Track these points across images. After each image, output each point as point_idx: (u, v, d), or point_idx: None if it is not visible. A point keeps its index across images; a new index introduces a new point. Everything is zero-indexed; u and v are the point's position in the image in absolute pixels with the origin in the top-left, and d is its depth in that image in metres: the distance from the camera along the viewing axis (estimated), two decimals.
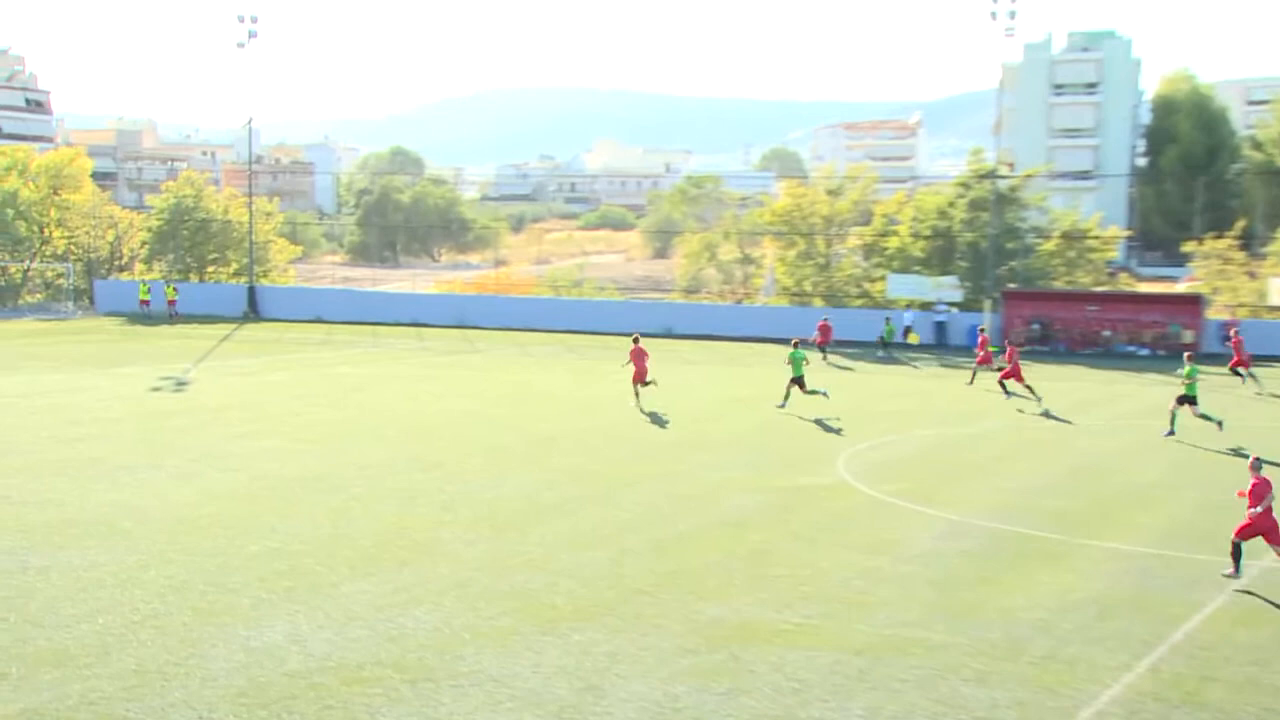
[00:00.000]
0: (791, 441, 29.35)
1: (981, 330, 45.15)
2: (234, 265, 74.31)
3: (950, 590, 16.99)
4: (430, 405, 34.28)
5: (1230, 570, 17.33)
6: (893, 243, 64.69)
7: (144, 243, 76.17)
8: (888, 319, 53.29)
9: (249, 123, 74.66)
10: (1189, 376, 31.21)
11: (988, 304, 58.14)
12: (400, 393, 35.45)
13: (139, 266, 76.75)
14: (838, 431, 30.91)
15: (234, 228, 74.04)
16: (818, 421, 32.31)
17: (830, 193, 67.77)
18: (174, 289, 63.41)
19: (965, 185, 65.91)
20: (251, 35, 63.39)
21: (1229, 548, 17.41)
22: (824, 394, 34.34)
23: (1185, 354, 33.75)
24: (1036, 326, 57.14)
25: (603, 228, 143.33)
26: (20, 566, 16.89)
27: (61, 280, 72.19)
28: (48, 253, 74.76)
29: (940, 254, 63.49)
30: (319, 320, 60.47)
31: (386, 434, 28.95)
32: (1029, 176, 68.23)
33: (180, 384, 37.30)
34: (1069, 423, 33.63)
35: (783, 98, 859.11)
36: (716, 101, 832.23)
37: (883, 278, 63.62)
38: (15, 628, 14.37)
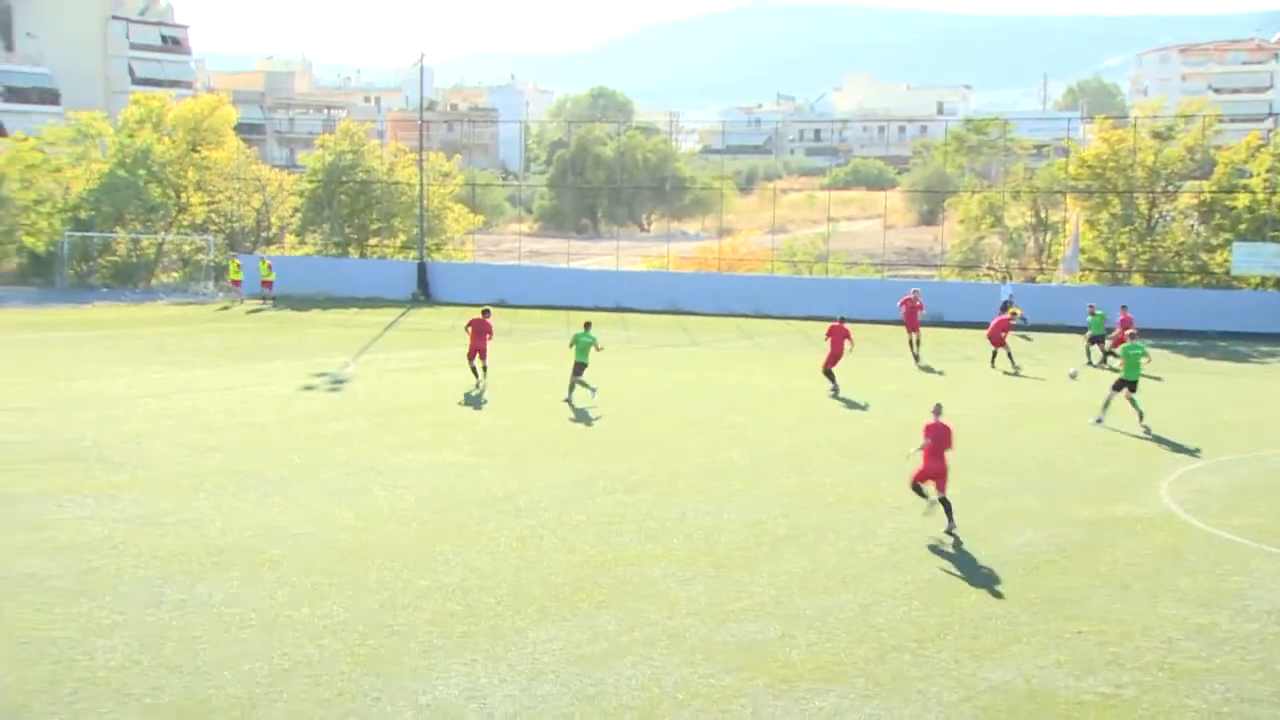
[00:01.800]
0: (1101, 460, 28.77)
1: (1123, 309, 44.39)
2: (401, 237, 76.22)
3: None
4: (635, 410, 34.70)
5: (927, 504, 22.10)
6: (1242, 201, 62.46)
7: (295, 209, 78.77)
8: (1092, 307, 48.17)
9: (419, 61, 76.76)
10: None
11: None
12: (600, 395, 36.01)
13: (290, 239, 79.38)
14: (1172, 447, 30.17)
15: (402, 191, 76.01)
16: (1147, 434, 31.61)
17: (1158, 136, 65.75)
18: (269, 266, 65.42)
19: None
20: None
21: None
22: (591, 390, 35.25)
23: None
24: None
25: (855, 187, 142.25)
26: (155, 600, 17.84)
27: (200, 256, 75.34)
28: (185, 222, 77.92)
29: None
30: (502, 304, 61.54)
31: (583, 446, 29.44)
32: None
33: (337, 382, 38.62)
34: None
35: (1094, 11, 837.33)
36: (1006, 20, 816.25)
37: (1226, 246, 61.55)
38: (149, 672, 15.22)
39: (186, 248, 77.15)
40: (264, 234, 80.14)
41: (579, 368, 35.53)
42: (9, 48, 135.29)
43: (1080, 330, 47.30)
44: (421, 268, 68.53)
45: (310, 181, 77.51)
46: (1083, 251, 65.08)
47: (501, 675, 15.33)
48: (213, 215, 78.65)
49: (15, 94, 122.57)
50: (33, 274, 74.56)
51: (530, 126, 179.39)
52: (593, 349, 35.74)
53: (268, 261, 66.22)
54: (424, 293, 67.08)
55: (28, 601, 17.72)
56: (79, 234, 74.11)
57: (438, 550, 20.48)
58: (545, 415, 33.43)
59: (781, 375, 42.24)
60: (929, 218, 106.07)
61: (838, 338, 38.65)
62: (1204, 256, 63.52)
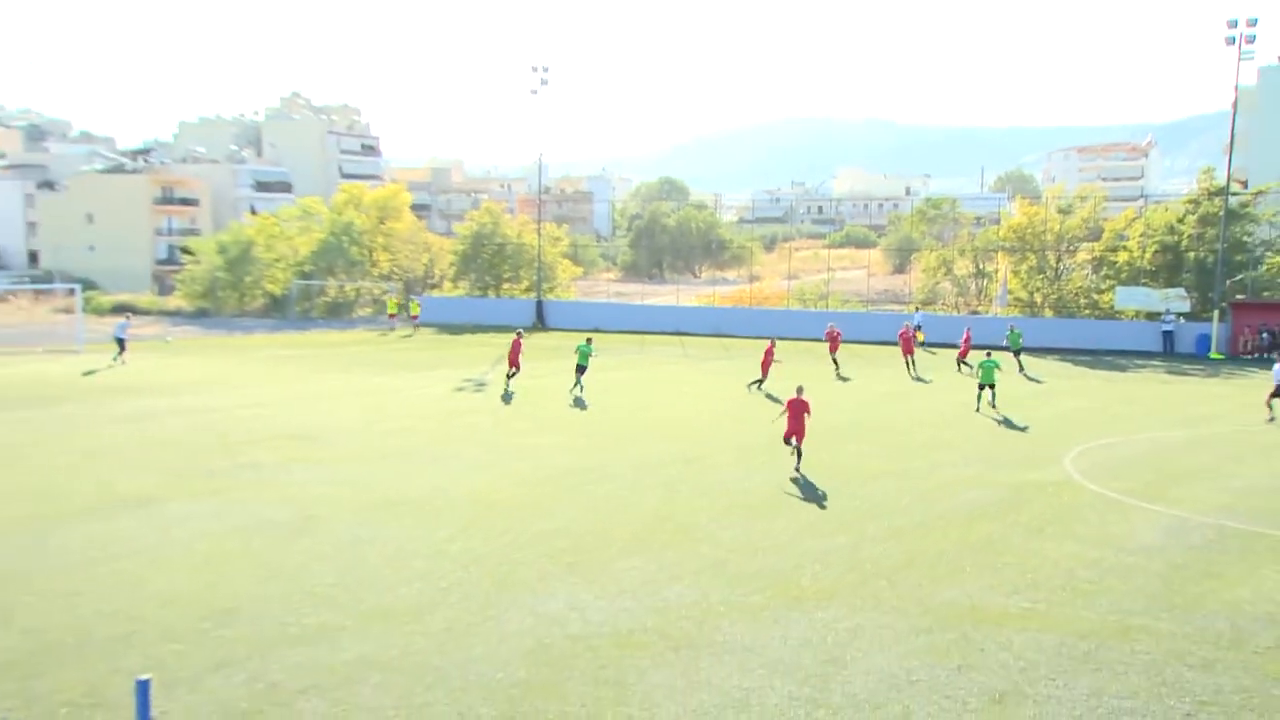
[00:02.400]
0: (1021, 442, 28.39)
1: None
2: (525, 282, 76.67)
3: (1175, 583, 16.15)
4: (689, 406, 34.65)
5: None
6: (1121, 257, 61.61)
7: (451, 264, 79.60)
8: (1011, 327, 48.27)
9: (539, 160, 77.12)
10: None
11: (1215, 314, 54.80)
12: (663, 395, 35.98)
13: (447, 284, 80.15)
14: (1073, 431, 29.74)
15: (525, 250, 76.45)
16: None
17: (1061, 211, 65.10)
18: (418, 304, 65.95)
19: (1195, 202, 62.17)
20: (543, 83, 65.38)
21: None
22: (580, 386, 34.61)
23: None
24: (1266, 336, 53.49)
25: (847, 246, 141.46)
26: (354, 539, 18.00)
27: (386, 296, 76.13)
28: (375, 273, 79.12)
29: (1168, 268, 60.11)
30: (596, 330, 61.61)
31: (649, 432, 29.43)
32: (1260, 193, 63.81)
33: (480, 385, 38.80)
34: None
35: (1017, 124, 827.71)
36: (954, 130, 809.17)
37: (1111, 289, 60.73)
38: (351, 589, 15.35)
39: (376, 291, 77.93)
40: (429, 281, 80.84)
41: (580, 370, 36.40)
42: (259, 154, 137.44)
43: (1003, 347, 46.63)
44: (539, 304, 68.90)
45: (462, 244, 78.28)
46: (1010, 292, 64.40)
47: (594, 594, 15.33)
48: (394, 268, 79.55)
49: (263, 186, 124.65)
50: (272, 310, 75.71)
51: (615, 204, 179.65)
52: (590, 356, 36.86)
53: (417, 301, 66.84)
54: (541, 322, 67.38)
55: (269, 537, 17.92)
56: (303, 282, 75.09)
57: (547, 505, 20.53)
58: (623, 411, 33.44)
59: (794, 381, 41.87)
60: (900, 268, 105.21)
61: (767, 357, 38.64)
62: (1095, 296, 62.70)
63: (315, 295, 76.50)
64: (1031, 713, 11.68)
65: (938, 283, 70.97)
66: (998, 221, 72.23)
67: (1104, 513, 20.51)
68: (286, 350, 51.47)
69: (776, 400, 34.33)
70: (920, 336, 53.97)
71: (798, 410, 24.21)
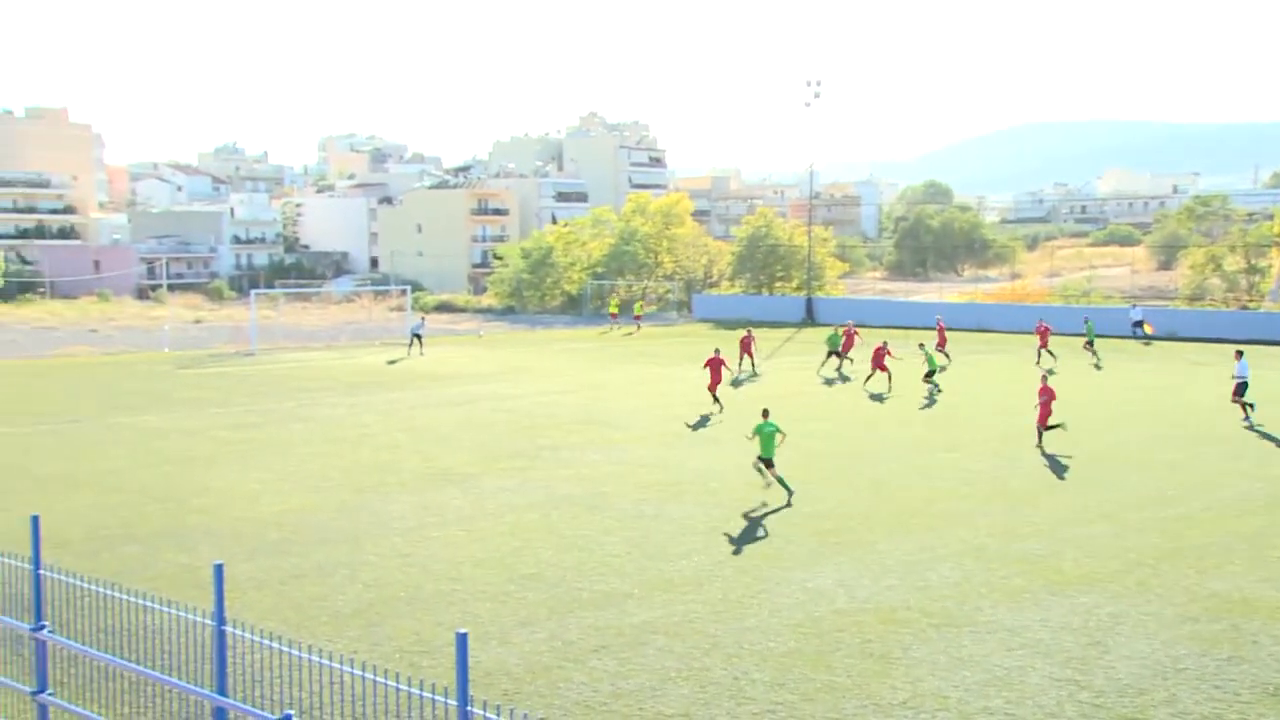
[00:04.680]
0: None
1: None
2: (795, 281, 76.33)
3: None
4: (949, 396, 33.47)
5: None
6: None
7: (729, 264, 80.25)
8: (1086, 319, 46.67)
9: (810, 167, 76.51)
10: None
11: None
12: (924, 387, 34.87)
13: (724, 283, 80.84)
14: None
15: (796, 250, 76.11)
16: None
17: None
18: (641, 305, 65.56)
19: None
20: (816, 96, 64.76)
21: None
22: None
23: None
24: None
25: (1110, 244, 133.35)
26: (639, 514, 18.41)
27: (669, 295, 77.56)
28: (659, 274, 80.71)
29: None
30: (861, 324, 60.46)
31: (912, 419, 28.64)
32: None
33: (753, 377, 38.84)
34: None
35: None
36: (1224, 126, 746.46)
37: None
38: (637, 560, 15.70)
39: (660, 290, 79.39)
40: (708, 281, 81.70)
41: (831, 354, 37.73)
42: (560, 168, 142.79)
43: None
44: (808, 300, 68.30)
45: (738, 246, 78.78)
46: None
47: (860, 572, 15.07)
48: (676, 269, 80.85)
49: (562, 196, 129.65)
50: (569, 308, 78.44)
51: (882, 207, 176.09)
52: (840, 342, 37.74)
53: (641, 303, 66.68)
54: (809, 317, 66.71)
55: (566, 511, 18.57)
56: (596, 282, 77.35)
57: (815, 487, 20.31)
58: (890, 399, 32.68)
59: (1064, 373, 39.81)
60: (1166, 265, 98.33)
61: (743, 346, 38.60)
62: None
63: (606, 294, 78.76)
64: None
65: (1205, 278, 65.83)
66: (1271, 218, 66.20)
67: None
68: (580, 344, 53.21)
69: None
70: (1149, 329, 50.71)
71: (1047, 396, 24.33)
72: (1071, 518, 17.97)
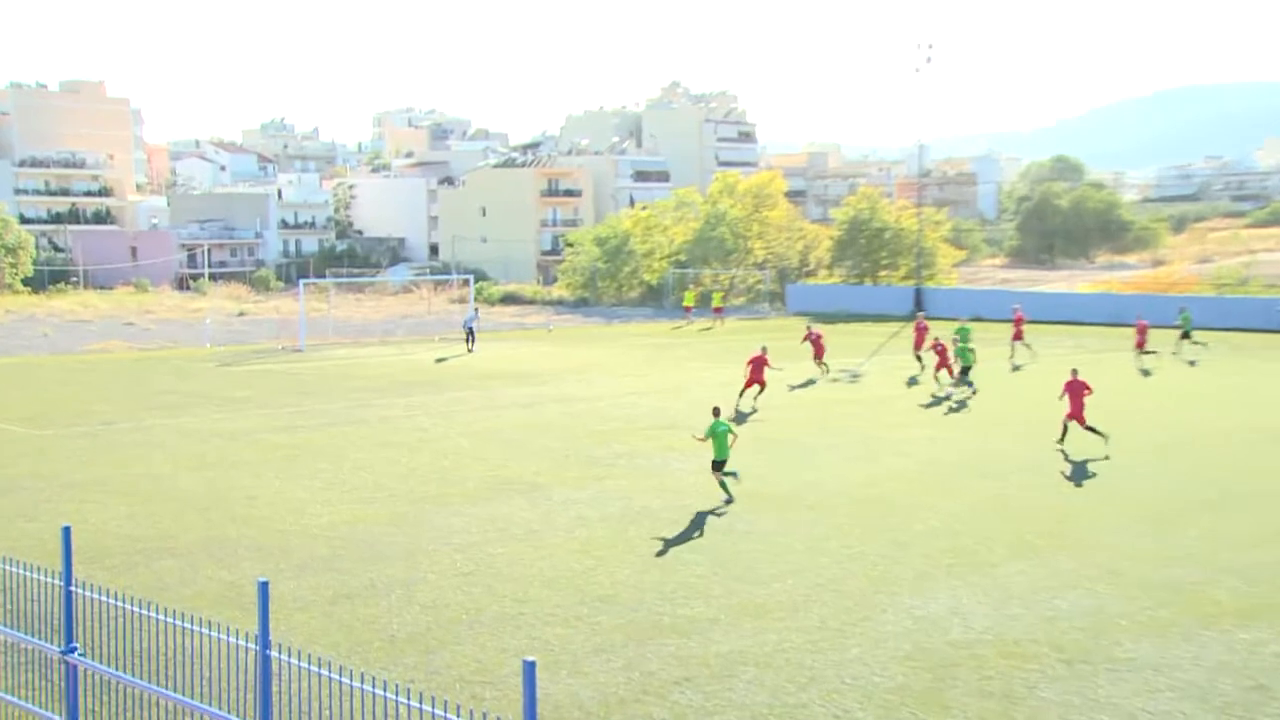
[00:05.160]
0: None
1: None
2: (903, 269, 75.59)
3: None
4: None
5: None
6: None
7: (827, 250, 79.76)
8: (1183, 309, 45.89)
9: (919, 141, 75.75)
10: None
11: None
12: (1051, 387, 34.17)
13: (822, 272, 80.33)
14: None
15: (903, 235, 75.34)
16: None
17: None
18: (720, 296, 64.96)
19: None
20: (927, 61, 64.06)
21: None
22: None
23: None
24: None
25: (1272, 225, 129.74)
26: (728, 529, 18.33)
27: (760, 285, 77.28)
28: (749, 261, 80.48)
29: None
30: (977, 318, 59.73)
31: (1043, 426, 28.07)
32: None
33: (854, 376, 38.50)
34: None
35: None
36: None
37: None
38: (723, 581, 15.62)
39: (750, 280, 79.13)
40: (804, 269, 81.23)
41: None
42: (639, 144, 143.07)
43: None
44: (917, 291, 67.56)
45: (838, 231, 78.25)
46: None
47: (978, 598, 14.81)
48: (768, 256, 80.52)
49: (641, 175, 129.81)
50: (648, 300, 78.57)
51: (1002, 186, 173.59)
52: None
53: (720, 294, 66.11)
54: (919, 310, 65.91)
55: (645, 525, 18.55)
56: (678, 271, 77.38)
57: (928, 502, 20.05)
58: (1006, 404, 32.13)
59: (1208, 374, 38.80)
60: None
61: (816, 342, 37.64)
62: None
63: (690, 285, 78.67)
64: None
65: None
66: None
67: None
68: (658, 339, 53.23)
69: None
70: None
71: (1076, 391, 24.75)
72: (1229, 541, 17.47)
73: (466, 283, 63.76)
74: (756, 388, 30.85)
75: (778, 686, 12.01)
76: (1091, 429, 24.43)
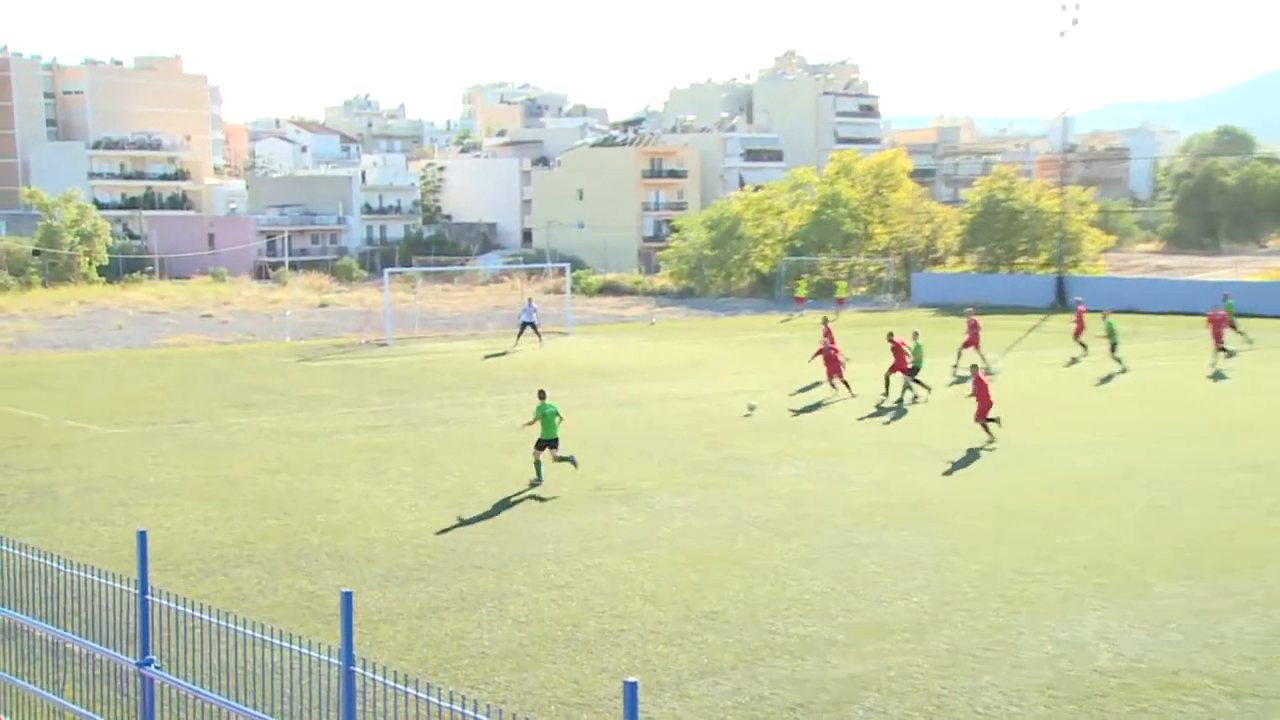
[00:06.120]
0: None
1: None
2: (1043, 256, 74.18)
3: None
4: (1249, 399, 31.86)
5: None
6: None
7: (957, 235, 78.67)
8: (1226, 295, 45.92)
9: (1063, 113, 74.34)
10: None
11: None
12: (1213, 389, 33.39)
13: (951, 259, 79.30)
14: None
15: (1044, 218, 73.94)
16: None
17: None
18: (844, 286, 64.78)
19: None
20: (1073, 23, 62.74)
21: None
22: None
23: None
24: None
25: None
26: (847, 542, 18.20)
27: (882, 273, 76.55)
28: (870, 248, 79.83)
29: None
30: (1130, 310, 58.43)
31: (1202, 431, 27.39)
32: None
33: (987, 375, 37.83)
34: None
35: None
36: None
37: None
38: (843, 598, 15.52)
39: (871, 268, 78.47)
40: (931, 256, 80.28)
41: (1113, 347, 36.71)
42: (750, 120, 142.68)
43: None
44: (1059, 280, 66.30)
45: (970, 213, 77.16)
46: None
47: (1129, 622, 14.50)
48: (892, 241, 79.79)
49: (752, 154, 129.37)
50: (759, 290, 78.35)
51: (1159, 162, 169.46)
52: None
53: (844, 284, 65.91)
54: (1061, 301, 64.64)
55: (754, 537, 18.51)
56: (793, 258, 77.03)
57: (1071, 514, 19.71)
58: (1163, 406, 31.40)
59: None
60: None
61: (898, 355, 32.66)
62: None
63: (805, 274, 78.20)
64: None
65: None
66: None
67: None
68: (766, 334, 53.01)
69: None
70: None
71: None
72: None
73: (562, 272, 64.08)
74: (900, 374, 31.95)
75: (902, 716, 11.90)
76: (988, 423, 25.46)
